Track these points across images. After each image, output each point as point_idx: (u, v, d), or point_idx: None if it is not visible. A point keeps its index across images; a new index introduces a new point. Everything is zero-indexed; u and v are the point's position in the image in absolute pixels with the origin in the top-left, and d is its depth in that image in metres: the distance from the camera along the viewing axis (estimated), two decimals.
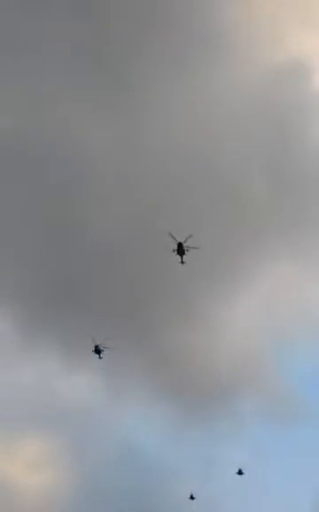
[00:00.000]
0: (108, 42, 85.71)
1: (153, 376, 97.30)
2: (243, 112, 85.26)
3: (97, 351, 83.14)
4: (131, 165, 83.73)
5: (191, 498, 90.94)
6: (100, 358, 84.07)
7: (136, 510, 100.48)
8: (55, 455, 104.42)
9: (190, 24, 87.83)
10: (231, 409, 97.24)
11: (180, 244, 71.60)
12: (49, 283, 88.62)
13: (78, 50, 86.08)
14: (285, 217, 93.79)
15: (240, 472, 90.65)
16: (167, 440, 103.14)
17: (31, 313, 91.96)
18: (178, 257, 73.22)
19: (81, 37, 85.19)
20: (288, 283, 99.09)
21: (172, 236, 70.46)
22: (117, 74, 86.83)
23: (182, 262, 74.22)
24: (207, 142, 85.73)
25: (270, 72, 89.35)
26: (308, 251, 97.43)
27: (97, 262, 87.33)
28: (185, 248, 72.46)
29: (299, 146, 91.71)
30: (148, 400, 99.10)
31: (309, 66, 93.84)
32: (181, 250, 72.51)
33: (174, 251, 73.15)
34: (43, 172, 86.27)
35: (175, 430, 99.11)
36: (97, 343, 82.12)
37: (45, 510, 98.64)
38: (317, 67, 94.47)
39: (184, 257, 73.47)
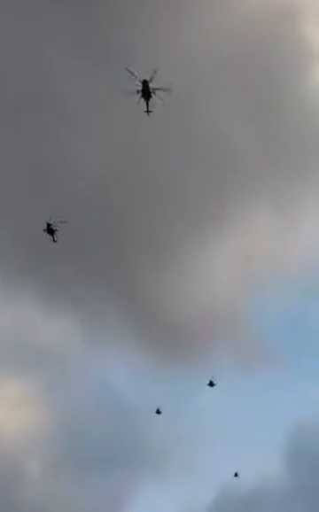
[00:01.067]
0: None
1: (129, 321, 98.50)
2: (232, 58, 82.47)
3: (50, 231, 75.21)
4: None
5: (157, 412, 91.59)
6: (55, 241, 75.87)
7: (114, 451, 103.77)
8: (33, 398, 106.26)
9: None
10: (206, 353, 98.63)
11: (145, 83, 56.99)
12: (26, 228, 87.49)
13: None
14: (267, 166, 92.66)
15: (211, 384, 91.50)
16: (142, 383, 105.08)
17: (8, 258, 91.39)
18: (143, 103, 58.73)
19: None
20: (266, 231, 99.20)
21: (132, 73, 55.80)
22: None
23: (148, 111, 59.63)
24: (194, 85, 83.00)
25: (261, 15, 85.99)
26: (289, 200, 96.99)
27: (75, 208, 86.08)
28: (151, 89, 57.71)
29: (288, 94, 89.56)
30: (124, 345, 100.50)
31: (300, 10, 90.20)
32: (146, 91, 57.84)
33: (138, 92, 58.20)
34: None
35: (151, 373, 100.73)
36: (51, 222, 73.99)
37: (24, 452, 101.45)
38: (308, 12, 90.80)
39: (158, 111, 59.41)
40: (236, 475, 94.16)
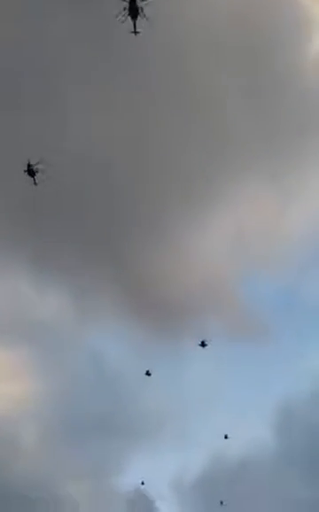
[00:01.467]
0: None
1: (122, 293, 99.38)
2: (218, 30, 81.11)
3: (30, 172, 71.49)
4: None
5: (147, 374, 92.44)
6: (35, 183, 72.20)
7: (107, 419, 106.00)
8: (28, 369, 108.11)
9: None
10: (198, 326, 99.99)
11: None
12: (19, 200, 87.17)
13: None
14: (261, 141, 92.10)
15: (203, 344, 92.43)
16: (134, 353, 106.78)
17: (0, 230, 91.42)
18: (130, 22, 55.84)
19: None
20: (259, 207, 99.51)
21: None
22: None
23: (135, 32, 56.55)
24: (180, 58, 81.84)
25: None
26: (283, 176, 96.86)
27: (70, 180, 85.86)
28: (139, 6, 54.64)
29: (287, 68, 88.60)
30: (116, 316, 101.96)
31: None
32: (134, 9, 54.61)
33: (124, 10, 55.14)
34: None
35: (143, 344, 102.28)
36: (32, 163, 70.61)
37: (19, 419, 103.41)
38: None
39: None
40: (226, 437, 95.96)
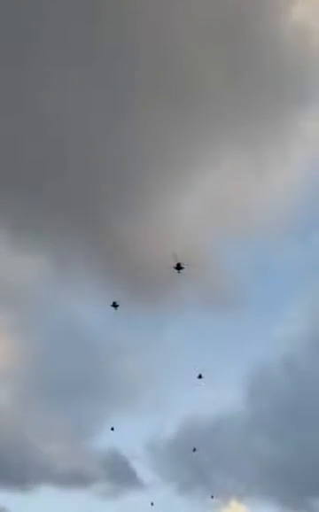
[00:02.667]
0: None
1: (98, 260, 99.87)
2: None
3: None
4: None
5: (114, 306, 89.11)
6: None
7: (83, 382, 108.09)
8: (3, 330, 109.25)
9: None
10: (174, 295, 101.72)
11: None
12: None
13: None
14: (240, 108, 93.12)
15: (200, 376, 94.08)
16: (110, 320, 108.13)
17: None
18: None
19: None
20: (235, 176, 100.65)
21: None
22: None
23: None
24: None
25: None
26: (259, 145, 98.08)
27: (50, 144, 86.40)
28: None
29: (257, 37, 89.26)
30: (92, 283, 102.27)
31: None
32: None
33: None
34: None
35: (121, 311, 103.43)
36: None
37: None
38: None
39: None
40: (200, 376, 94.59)
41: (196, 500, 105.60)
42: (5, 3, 77.49)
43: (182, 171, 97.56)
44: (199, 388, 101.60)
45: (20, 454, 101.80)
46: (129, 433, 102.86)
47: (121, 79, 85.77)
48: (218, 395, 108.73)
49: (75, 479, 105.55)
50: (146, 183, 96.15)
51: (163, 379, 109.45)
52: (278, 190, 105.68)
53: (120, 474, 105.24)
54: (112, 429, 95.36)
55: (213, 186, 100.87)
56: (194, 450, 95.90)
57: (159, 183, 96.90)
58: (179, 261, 72.11)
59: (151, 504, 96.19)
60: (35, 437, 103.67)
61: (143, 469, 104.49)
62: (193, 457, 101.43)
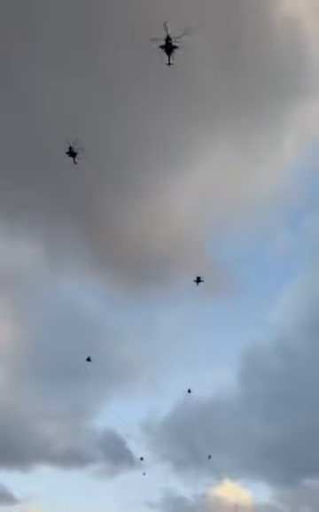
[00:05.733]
0: None
1: (92, 245, 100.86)
2: None
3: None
4: None
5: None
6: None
7: (79, 366, 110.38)
8: (3, 316, 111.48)
9: None
10: (167, 282, 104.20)
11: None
12: None
13: None
14: (230, 100, 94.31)
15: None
16: (106, 306, 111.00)
17: None
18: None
19: None
20: (227, 167, 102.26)
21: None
22: None
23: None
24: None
25: None
26: (251, 137, 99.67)
27: (47, 136, 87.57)
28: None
29: (251, 33, 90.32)
30: (90, 267, 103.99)
31: None
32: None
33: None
34: None
35: (115, 296, 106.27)
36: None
37: None
38: None
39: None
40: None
41: (190, 478, 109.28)
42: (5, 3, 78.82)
43: (176, 162, 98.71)
44: (193, 370, 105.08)
45: (19, 435, 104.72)
46: (126, 415, 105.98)
47: (119, 75, 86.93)
48: (212, 377, 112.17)
49: (73, 459, 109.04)
50: (142, 173, 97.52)
51: (159, 362, 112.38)
52: (270, 178, 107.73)
53: (116, 454, 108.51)
54: (88, 359, 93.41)
55: (207, 176, 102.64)
56: (189, 391, 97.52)
57: (154, 173, 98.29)
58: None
59: (144, 474, 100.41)
60: (33, 417, 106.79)
61: (138, 449, 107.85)
62: (188, 437, 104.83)
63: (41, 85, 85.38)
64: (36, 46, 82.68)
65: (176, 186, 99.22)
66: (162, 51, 63.53)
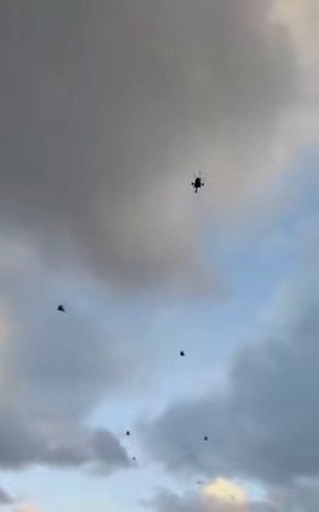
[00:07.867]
0: None
1: (87, 246, 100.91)
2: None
3: None
4: None
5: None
6: None
7: (73, 366, 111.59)
8: None
9: None
10: (161, 284, 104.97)
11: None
12: None
13: None
14: (221, 105, 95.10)
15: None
16: (100, 306, 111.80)
17: None
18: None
19: None
20: (221, 170, 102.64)
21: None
22: None
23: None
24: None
25: None
26: (245, 139, 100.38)
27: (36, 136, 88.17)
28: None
29: (243, 38, 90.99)
30: (82, 269, 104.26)
31: None
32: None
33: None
34: None
35: (110, 297, 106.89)
36: None
37: None
38: None
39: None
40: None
41: (183, 477, 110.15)
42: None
43: (170, 165, 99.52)
44: (187, 370, 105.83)
45: (13, 433, 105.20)
46: (120, 414, 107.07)
47: (112, 76, 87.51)
48: (205, 377, 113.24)
49: (67, 458, 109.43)
50: (136, 175, 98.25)
51: (152, 362, 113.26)
52: (263, 181, 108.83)
53: (109, 453, 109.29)
54: (60, 307, 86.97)
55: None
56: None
57: (147, 175, 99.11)
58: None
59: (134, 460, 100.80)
60: (27, 417, 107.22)
61: (132, 448, 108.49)
62: (181, 436, 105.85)
63: (36, 84, 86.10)
64: (32, 44, 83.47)
65: (171, 188, 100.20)
66: None
